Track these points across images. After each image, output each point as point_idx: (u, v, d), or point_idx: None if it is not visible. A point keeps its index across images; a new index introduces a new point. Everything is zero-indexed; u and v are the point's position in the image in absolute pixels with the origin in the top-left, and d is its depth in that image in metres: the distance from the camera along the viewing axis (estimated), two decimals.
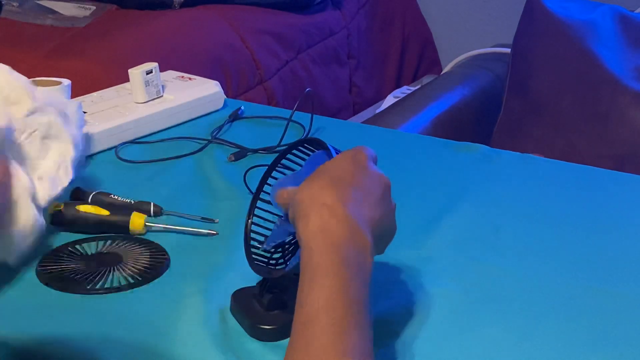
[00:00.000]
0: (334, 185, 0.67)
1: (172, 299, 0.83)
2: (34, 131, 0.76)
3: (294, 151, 0.78)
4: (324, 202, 0.66)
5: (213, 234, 0.95)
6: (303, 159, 0.76)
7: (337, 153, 0.74)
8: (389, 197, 0.72)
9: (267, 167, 0.79)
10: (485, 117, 2.05)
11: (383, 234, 0.71)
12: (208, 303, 0.82)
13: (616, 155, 1.84)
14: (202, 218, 0.99)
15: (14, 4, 2.31)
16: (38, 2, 2.35)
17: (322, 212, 0.65)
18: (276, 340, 0.76)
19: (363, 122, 1.71)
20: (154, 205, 0.99)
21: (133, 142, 1.22)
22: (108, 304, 0.83)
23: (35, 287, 0.86)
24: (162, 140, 1.23)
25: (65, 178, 0.78)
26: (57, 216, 0.96)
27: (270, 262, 0.77)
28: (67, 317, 0.81)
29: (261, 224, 0.78)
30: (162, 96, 1.29)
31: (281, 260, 0.77)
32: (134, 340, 0.78)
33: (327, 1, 2.58)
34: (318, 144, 0.75)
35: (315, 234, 0.65)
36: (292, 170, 0.77)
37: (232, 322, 0.80)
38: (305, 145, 0.77)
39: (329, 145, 0.74)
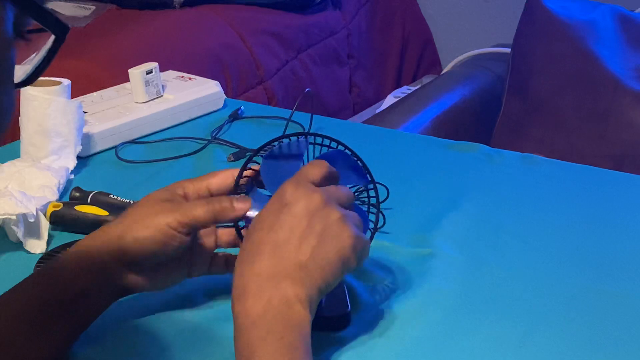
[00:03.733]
0: (255, 253, 0.67)
1: (172, 299, 0.83)
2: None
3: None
4: (249, 289, 0.66)
5: None
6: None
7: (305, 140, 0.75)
8: (322, 212, 0.69)
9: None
10: (485, 117, 2.05)
11: (328, 266, 0.68)
12: (208, 302, 0.82)
13: (616, 155, 1.84)
14: None
15: None
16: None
17: (250, 300, 0.65)
18: None
19: (363, 122, 1.71)
20: None
21: (133, 142, 1.22)
22: None
23: None
24: (162, 140, 1.23)
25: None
26: (56, 216, 0.96)
27: None
28: None
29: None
30: (162, 96, 1.29)
31: None
32: (134, 340, 0.78)
33: (327, 1, 2.59)
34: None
35: (247, 326, 0.65)
36: None
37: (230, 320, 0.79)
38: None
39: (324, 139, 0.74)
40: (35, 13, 0.47)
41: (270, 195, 0.73)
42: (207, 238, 0.79)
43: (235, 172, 0.78)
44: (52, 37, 0.49)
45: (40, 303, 0.71)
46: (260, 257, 0.67)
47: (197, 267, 0.79)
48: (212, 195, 0.77)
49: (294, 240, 0.67)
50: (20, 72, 0.50)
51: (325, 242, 0.68)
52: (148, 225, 0.73)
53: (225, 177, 0.78)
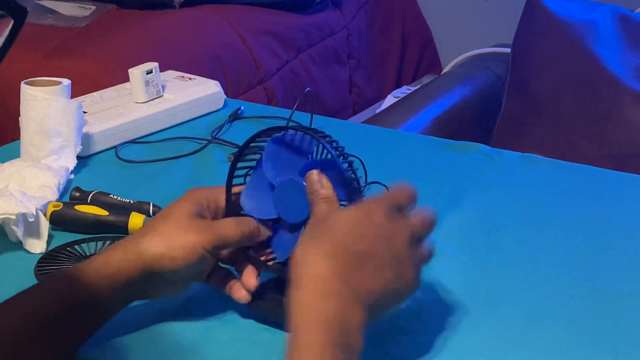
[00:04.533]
0: (334, 254, 0.65)
1: (171, 299, 0.83)
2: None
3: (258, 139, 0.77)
4: (319, 273, 0.64)
5: None
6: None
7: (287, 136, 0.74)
8: (405, 252, 0.69)
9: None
10: (485, 117, 2.05)
11: (386, 300, 0.69)
12: (208, 302, 0.82)
13: (616, 155, 1.84)
14: None
15: None
16: (38, 1, 2.35)
17: (314, 284, 0.64)
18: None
19: (363, 122, 1.71)
20: (153, 205, 0.99)
21: (133, 142, 1.22)
22: None
23: None
24: (162, 140, 1.23)
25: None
26: (56, 216, 0.96)
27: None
28: None
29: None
30: (162, 96, 1.29)
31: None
32: (133, 341, 0.78)
33: (327, 1, 2.58)
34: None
35: (303, 308, 0.63)
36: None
37: (231, 320, 0.80)
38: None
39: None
40: None
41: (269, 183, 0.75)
42: None
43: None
44: (11, 22, 0.48)
45: (57, 306, 0.71)
46: (341, 264, 0.66)
47: (200, 277, 0.79)
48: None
49: (376, 265, 0.67)
50: None
51: (397, 285, 0.68)
52: (183, 246, 0.73)
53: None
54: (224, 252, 0.79)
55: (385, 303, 0.69)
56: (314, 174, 0.73)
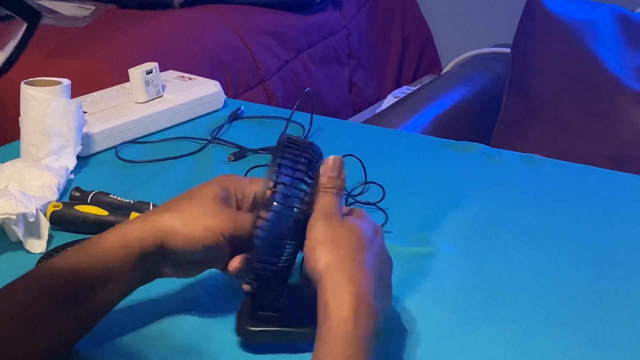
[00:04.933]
0: (365, 267, 0.67)
1: (171, 299, 0.83)
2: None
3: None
4: (359, 285, 0.65)
5: None
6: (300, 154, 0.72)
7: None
8: (390, 277, 0.73)
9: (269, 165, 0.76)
10: (485, 117, 2.05)
11: (382, 318, 0.71)
12: (208, 302, 0.82)
13: (616, 155, 1.84)
14: None
15: None
16: (38, 1, 2.35)
17: (356, 295, 0.65)
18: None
19: (363, 122, 1.71)
20: (154, 205, 0.99)
21: (133, 142, 1.22)
22: None
23: None
24: (162, 140, 1.23)
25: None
26: (56, 216, 0.96)
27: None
28: None
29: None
30: (162, 96, 1.29)
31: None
32: (132, 341, 0.78)
33: (327, 1, 2.58)
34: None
35: (345, 320, 0.64)
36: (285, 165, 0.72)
37: (231, 320, 0.79)
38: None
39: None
40: (4, 1, 0.46)
41: None
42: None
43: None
44: (25, 25, 0.48)
45: (72, 283, 0.70)
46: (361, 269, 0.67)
47: (215, 263, 0.78)
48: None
49: (385, 284, 0.71)
50: None
51: (387, 302, 0.72)
52: (203, 227, 0.72)
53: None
54: (233, 264, 0.75)
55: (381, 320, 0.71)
56: (331, 159, 0.72)
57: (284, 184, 0.69)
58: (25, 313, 0.69)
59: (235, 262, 0.74)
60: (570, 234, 0.96)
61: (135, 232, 0.73)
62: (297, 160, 0.71)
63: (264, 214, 0.69)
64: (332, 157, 0.73)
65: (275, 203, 0.69)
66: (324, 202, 0.71)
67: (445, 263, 0.90)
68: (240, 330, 0.75)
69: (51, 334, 0.70)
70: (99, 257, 0.72)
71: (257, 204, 0.71)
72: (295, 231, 0.70)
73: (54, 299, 0.70)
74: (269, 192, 0.69)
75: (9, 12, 0.46)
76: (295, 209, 0.69)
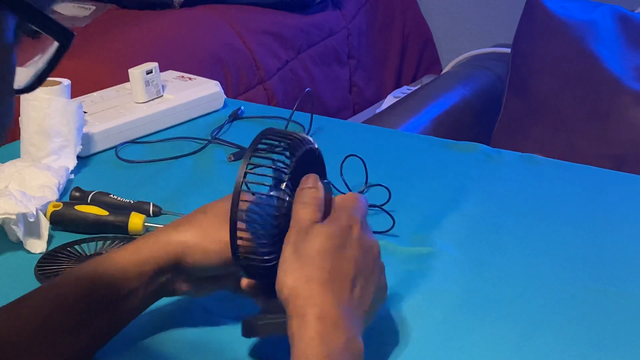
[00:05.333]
0: (329, 283, 0.65)
1: (171, 299, 0.83)
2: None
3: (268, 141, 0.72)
4: (321, 306, 0.64)
5: None
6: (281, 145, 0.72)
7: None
8: (379, 261, 0.71)
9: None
10: (485, 117, 2.05)
11: (375, 307, 0.70)
12: (208, 302, 0.82)
13: (616, 155, 1.84)
14: None
15: None
16: None
17: (319, 317, 0.64)
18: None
19: (363, 122, 1.71)
20: (154, 205, 0.99)
21: (133, 142, 1.22)
22: None
23: (33, 287, 0.85)
24: (162, 140, 1.23)
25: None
26: (56, 216, 0.96)
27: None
28: None
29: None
30: (162, 96, 1.29)
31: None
32: (132, 341, 0.78)
33: (327, 1, 2.58)
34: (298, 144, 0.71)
35: (312, 340, 0.63)
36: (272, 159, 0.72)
37: (231, 320, 0.80)
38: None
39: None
40: (38, 21, 0.45)
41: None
42: None
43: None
44: (56, 43, 0.47)
45: (85, 295, 0.70)
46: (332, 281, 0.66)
47: (228, 282, 0.77)
48: None
49: (363, 282, 0.69)
50: (22, 75, 0.48)
51: (378, 294, 0.71)
52: (219, 240, 0.71)
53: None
54: (245, 281, 0.74)
55: (373, 313, 0.71)
56: (311, 176, 0.71)
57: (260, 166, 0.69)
58: (41, 327, 0.69)
59: (246, 280, 0.74)
60: (570, 234, 0.96)
61: (149, 248, 0.72)
62: (272, 148, 0.71)
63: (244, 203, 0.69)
64: (311, 175, 0.72)
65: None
66: (297, 216, 0.69)
67: (445, 263, 0.90)
68: (245, 326, 0.73)
69: (66, 347, 0.70)
70: (115, 274, 0.71)
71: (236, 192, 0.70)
72: (277, 225, 0.69)
73: (70, 313, 0.70)
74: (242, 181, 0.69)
75: (40, 30, 0.46)
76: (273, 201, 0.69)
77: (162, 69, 1.31)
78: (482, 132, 2.01)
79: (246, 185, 0.70)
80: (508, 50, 2.07)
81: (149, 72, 1.26)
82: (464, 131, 1.94)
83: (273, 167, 0.70)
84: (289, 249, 0.68)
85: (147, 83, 1.26)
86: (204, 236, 0.72)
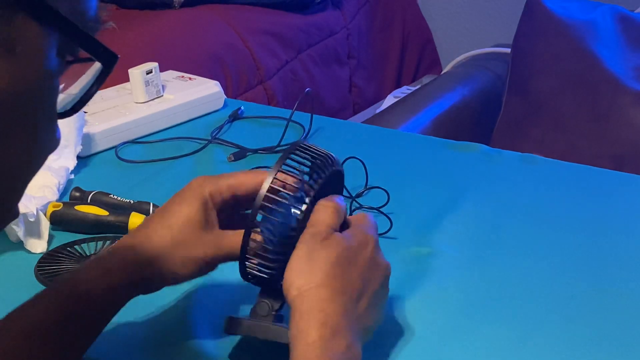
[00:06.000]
0: (338, 293, 0.66)
1: (171, 300, 0.83)
2: None
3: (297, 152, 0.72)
4: (327, 312, 0.64)
5: None
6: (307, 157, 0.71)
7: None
8: (387, 286, 0.72)
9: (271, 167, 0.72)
10: (485, 117, 2.05)
11: (373, 327, 0.71)
12: (208, 302, 0.82)
13: (616, 155, 1.84)
14: None
15: None
16: None
17: (323, 322, 0.64)
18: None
19: (363, 122, 1.71)
20: (153, 205, 0.99)
21: (133, 142, 1.22)
22: None
23: (33, 287, 0.85)
24: (162, 140, 1.23)
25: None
26: (56, 216, 0.96)
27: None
28: None
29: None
30: (162, 96, 1.29)
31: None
32: (131, 341, 0.78)
33: (327, 1, 2.59)
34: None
35: (314, 343, 0.63)
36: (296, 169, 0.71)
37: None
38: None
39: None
40: (83, 42, 0.45)
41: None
42: None
43: (260, 174, 0.73)
44: (98, 65, 0.47)
45: (59, 315, 0.69)
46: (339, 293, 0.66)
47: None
48: (236, 196, 0.74)
49: (368, 300, 0.69)
50: (62, 99, 0.48)
51: (377, 317, 0.71)
52: (186, 262, 0.70)
53: (255, 181, 0.73)
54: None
55: (370, 332, 0.71)
56: (332, 197, 0.71)
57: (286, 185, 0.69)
58: (35, 330, 0.68)
59: None
60: (570, 234, 0.96)
61: (118, 269, 0.70)
62: (299, 162, 0.70)
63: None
64: (333, 196, 0.72)
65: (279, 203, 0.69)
66: (315, 218, 0.69)
67: (445, 263, 0.90)
68: (229, 322, 0.72)
69: (63, 352, 0.69)
70: (86, 299, 0.70)
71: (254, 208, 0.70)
72: (288, 237, 0.69)
73: (44, 340, 0.69)
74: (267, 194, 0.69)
75: (85, 52, 0.46)
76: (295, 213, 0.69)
77: (162, 69, 1.31)
78: (482, 132, 2.01)
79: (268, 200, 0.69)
80: (508, 50, 2.07)
81: (149, 72, 1.26)
82: (464, 131, 1.94)
83: (297, 186, 0.69)
84: (302, 250, 0.67)
85: (147, 83, 1.26)
86: (169, 260, 0.71)
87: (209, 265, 0.72)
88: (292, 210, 0.69)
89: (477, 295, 0.84)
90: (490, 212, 1.01)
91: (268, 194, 0.69)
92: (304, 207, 0.69)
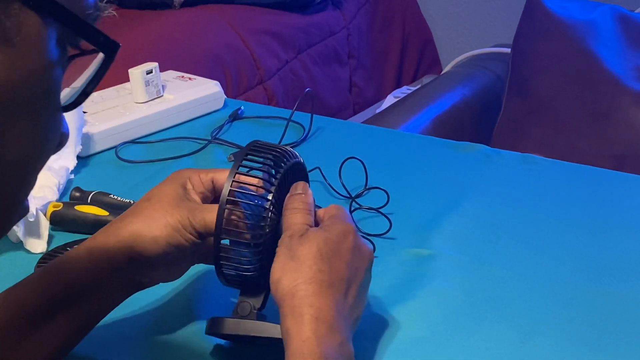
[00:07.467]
0: (326, 285, 0.66)
1: (171, 300, 0.83)
2: None
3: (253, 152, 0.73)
4: (318, 307, 0.65)
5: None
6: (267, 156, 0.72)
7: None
8: (370, 273, 0.72)
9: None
10: (485, 117, 2.05)
11: (360, 315, 0.71)
12: (207, 302, 0.82)
13: (616, 155, 1.84)
14: None
15: None
16: None
17: (316, 317, 0.64)
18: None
19: (363, 122, 1.71)
20: None
21: (133, 142, 1.22)
22: None
23: None
24: (162, 140, 1.23)
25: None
26: (56, 216, 0.96)
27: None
28: None
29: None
30: (162, 96, 1.29)
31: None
32: (131, 340, 0.78)
33: (327, 1, 2.59)
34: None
35: (308, 339, 0.63)
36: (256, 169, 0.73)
37: None
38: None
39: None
40: (83, 31, 0.45)
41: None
42: None
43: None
44: (101, 56, 0.47)
45: (44, 298, 0.70)
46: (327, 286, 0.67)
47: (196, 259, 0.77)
48: (215, 190, 0.75)
49: (354, 291, 0.69)
50: (64, 93, 0.48)
51: (362, 305, 0.71)
52: (165, 225, 0.70)
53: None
54: None
55: (358, 320, 0.71)
56: (300, 183, 0.73)
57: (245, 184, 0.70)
58: (1, 334, 0.68)
59: None
60: (570, 234, 0.96)
61: (101, 247, 0.71)
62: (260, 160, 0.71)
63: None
64: (301, 182, 0.73)
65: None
66: (287, 222, 0.70)
67: (445, 264, 0.90)
68: (211, 323, 0.73)
69: (29, 352, 0.69)
70: (71, 276, 0.71)
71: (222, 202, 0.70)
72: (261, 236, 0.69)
73: (31, 319, 0.69)
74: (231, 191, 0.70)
75: (85, 41, 0.45)
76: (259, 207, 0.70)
77: (162, 69, 1.31)
78: (482, 132, 2.01)
79: (232, 196, 0.70)
80: (508, 50, 2.07)
81: (149, 72, 1.26)
82: (464, 131, 1.94)
83: (261, 177, 0.71)
84: (283, 251, 0.68)
85: (147, 83, 1.26)
86: (150, 224, 0.71)
87: (191, 233, 0.71)
88: (257, 201, 0.70)
89: (477, 296, 0.84)
90: (490, 212, 1.01)
91: (232, 188, 0.70)
92: (270, 195, 0.70)
